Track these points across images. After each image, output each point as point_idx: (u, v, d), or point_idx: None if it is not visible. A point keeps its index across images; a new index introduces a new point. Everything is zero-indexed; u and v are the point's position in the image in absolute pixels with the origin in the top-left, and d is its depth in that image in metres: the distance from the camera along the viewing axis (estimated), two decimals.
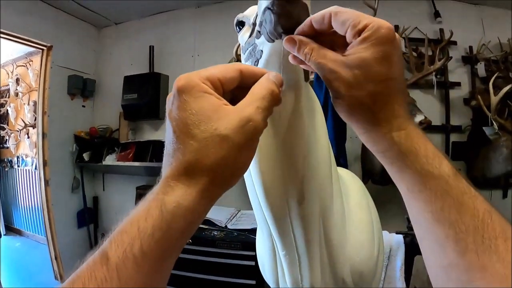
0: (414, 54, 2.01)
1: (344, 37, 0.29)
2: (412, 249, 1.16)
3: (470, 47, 2.15)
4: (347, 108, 0.29)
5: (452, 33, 2.03)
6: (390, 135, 0.27)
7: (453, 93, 2.13)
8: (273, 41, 0.34)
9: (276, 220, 0.47)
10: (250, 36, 0.41)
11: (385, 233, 1.21)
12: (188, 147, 0.23)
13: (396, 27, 2.12)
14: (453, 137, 2.12)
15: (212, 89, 0.26)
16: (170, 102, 0.26)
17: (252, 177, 0.46)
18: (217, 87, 0.27)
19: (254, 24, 0.39)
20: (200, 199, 0.23)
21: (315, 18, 0.30)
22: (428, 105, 2.02)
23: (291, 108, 0.41)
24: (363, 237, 0.61)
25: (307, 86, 0.44)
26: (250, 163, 0.27)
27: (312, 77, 1.54)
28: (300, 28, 0.31)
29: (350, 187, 0.70)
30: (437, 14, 2.15)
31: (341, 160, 1.66)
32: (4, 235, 3.32)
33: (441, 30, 2.14)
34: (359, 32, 0.27)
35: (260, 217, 0.52)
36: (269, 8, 0.32)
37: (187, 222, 0.23)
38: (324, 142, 0.50)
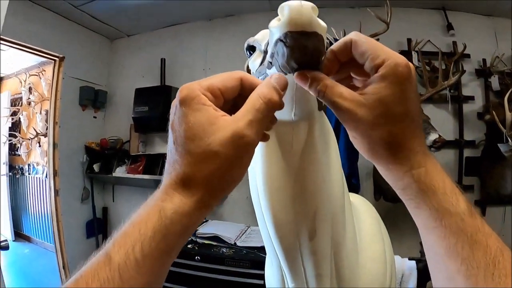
0: (427, 68, 1.98)
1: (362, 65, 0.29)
2: (424, 275, 1.12)
3: (484, 60, 2.11)
4: (366, 147, 0.29)
5: (465, 46, 2.01)
6: (410, 173, 0.28)
7: (467, 107, 2.10)
8: (286, 74, 0.32)
9: (286, 254, 0.46)
10: (261, 64, 0.39)
11: (398, 258, 1.18)
12: (185, 161, 0.25)
13: (409, 41, 2.10)
14: (467, 152, 2.08)
15: (212, 100, 0.27)
16: (173, 112, 0.27)
17: (262, 209, 0.45)
18: (217, 97, 0.28)
19: (265, 52, 0.37)
20: (194, 209, 0.25)
21: (338, 50, 0.30)
22: (442, 120, 1.99)
23: (304, 140, 0.40)
24: (375, 269, 0.59)
25: (321, 116, 0.42)
26: (243, 174, 0.28)
27: None
28: (324, 63, 0.30)
29: (362, 215, 0.68)
30: (449, 27, 2.13)
31: (353, 180, 1.64)
32: (13, 241, 3.36)
33: (454, 43, 2.12)
34: (376, 68, 0.28)
35: (269, 248, 0.50)
36: (281, 40, 0.29)
37: (184, 227, 0.25)
38: (338, 175, 0.49)
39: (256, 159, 0.43)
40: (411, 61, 1.86)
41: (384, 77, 0.27)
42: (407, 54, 2.08)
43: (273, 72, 0.33)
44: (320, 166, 0.42)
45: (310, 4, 0.29)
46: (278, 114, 0.36)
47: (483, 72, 2.10)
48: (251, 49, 0.42)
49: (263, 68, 0.37)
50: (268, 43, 0.34)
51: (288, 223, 0.44)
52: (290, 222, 0.43)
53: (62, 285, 0.22)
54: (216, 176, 0.25)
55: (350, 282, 0.52)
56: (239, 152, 0.26)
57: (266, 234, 0.48)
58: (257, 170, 0.43)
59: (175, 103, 0.27)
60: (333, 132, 0.49)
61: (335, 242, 0.48)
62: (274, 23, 0.30)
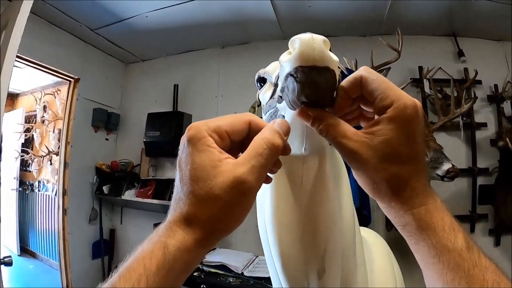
0: (439, 95, 1.97)
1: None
2: None
3: (496, 86, 2.10)
4: (369, 187, 0.30)
5: (476, 72, 2.00)
6: (411, 212, 0.28)
7: (479, 134, 2.07)
8: (295, 109, 0.31)
9: None
10: (271, 97, 0.38)
11: None
12: (188, 200, 0.26)
13: (420, 68, 2.11)
14: (480, 180, 2.04)
15: (218, 141, 0.28)
16: (181, 150, 0.28)
17: (269, 245, 0.43)
18: (224, 139, 0.28)
19: (275, 85, 0.36)
20: (195, 246, 0.26)
21: (348, 87, 0.30)
22: (454, 148, 1.97)
23: (315, 176, 0.39)
24: None
25: (333, 151, 0.41)
26: (244, 217, 0.28)
27: None
28: (338, 103, 0.30)
29: (374, 252, 0.66)
30: (460, 53, 2.13)
31: (364, 211, 1.60)
32: (19, 255, 3.36)
33: (466, 69, 2.11)
34: (385, 108, 0.28)
35: (276, 284, 0.48)
36: (292, 75, 0.28)
37: (186, 263, 0.26)
38: (349, 211, 0.47)
39: (265, 193, 0.42)
40: (423, 89, 1.86)
41: (392, 119, 0.28)
42: (418, 81, 2.08)
43: (283, 106, 0.33)
44: (331, 202, 0.41)
45: (322, 37, 0.28)
46: None
47: (495, 98, 2.08)
48: (262, 81, 0.42)
49: (273, 101, 0.36)
50: (278, 76, 0.34)
51: (296, 260, 0.42)
52: (299, 260, 0.42)
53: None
54: (217, 217, 0.26)
55: None
56: (239, 197, 0.26)
57: (273, 271, 0.46)
58: (265, 205, 0.42)
59: (183, 141, 0.28)
60: (345, 167, 0.47)
61: (345, 280, 0.46)
62: (284, 57, 0.29)
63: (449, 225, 0.27)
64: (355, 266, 0.48)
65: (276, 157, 0.29)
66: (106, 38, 2.46)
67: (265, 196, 0.43)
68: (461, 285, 0.25)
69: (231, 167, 0.26)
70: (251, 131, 0.30)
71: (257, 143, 0.28)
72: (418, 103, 0.29)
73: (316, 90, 0.28)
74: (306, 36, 0.28)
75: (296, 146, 0.36)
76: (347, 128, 0.29)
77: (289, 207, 0.40)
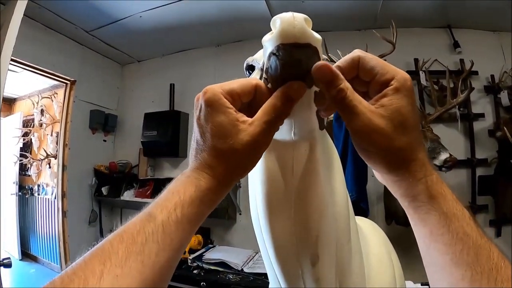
0: (436, 87, 1.97)
1: (364, 84, 0.31)
2: None
3: (492, 76, 2.09)
4: (381, 160, 0.30)
5: (472, 63, 1.99)
6: (424, 179, 0.29)
7: (477, 125, 2.06)
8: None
9: (288, 279, 0.44)
10: None
11: (410, 283, 1.12)
12: (211, 153, 0.30)
13: (416, 60, 2.10)
14: (479, 171, 2.03)
15: (232, 102, 0.31)
16: (198, 110, 0.31)
17: (262, 232, 0.43)
18: (236, 100, 0.31)
19: (262, 70, 0.36)
20: (219, 187, 0.31)
21: (345, 67, 0.31)
22: (452, 139, 1.96)
23: (305, 162, 0.38)
24: None
25: (323, 135, 0.41)
26: (254, 166, 0.33)
27: (331, 117, 1.51)
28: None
29: (371, 240, 0.64)
30: (456, 45, 2.13)
31: (362, 204, 1.59)
32: (20, 260, 3.35)
33: (461, 61, 2.10)
34: (387, 82, 0.29)
35: (271, 274, 0.48)
36: (274, 54, 0.28)
37: (211, 200, 0.31)
38: (342, 197, 0.46)
39: (256, 181, 0.42)
40: (419, 81, 1.85)
41: (398, 89, 0.29)
42: (414, 74, 2.07)
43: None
44: (322, 187, 0.40)
45: (303, 15, 0.28)
46: (277, 135, 0.35)
47: (492, 89, 2.07)
48: (251, 68, 0.41)
49: None
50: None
51: (289, 246, 0.41)
52: (291, 246, 0.41)
53: (102, 239, 0.26)
54: (235, 165, 0.31)
55: None
56: (254, 151, 0.31)
57: (267, 259, 0.46)
58: (257, 193, 0.42)
59: (199, 101, 0.31)
60: (337, 153, 0.48)
61: (340, 268, 0.46)
62: (266, 36, 0.29)
63: (456, 195, 0.28)
64: (350, 254, 0.48)
65: (282, 119, 0.32)
66: (101, 40, 2.46)
67: (256, 184, 0.42)
68: (470, 256, 0.25)
69: (248, 127, 0.30)
70: (257, 94, 0.32)
71: (267, 108, 0.31)
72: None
73: (299, 68, 0.28)
74: (287, 15, 0.28)
75: (285, 131, 0.36)
76: (361, 98, 0.30)
77: (280, 193, 0.40)
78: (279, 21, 0.28)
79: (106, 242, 0.25)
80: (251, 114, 0.31)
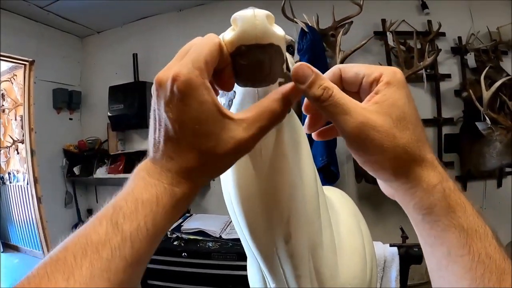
0: (403, 48, 1.98)
1: (352, 97, 0.27)
2: (406, 259, 1.14)
3: (459, 38, 2.12)
4: (387, 165, 0.26)
5: (440, 25, 2.01)
6: (441, 186, 0.25)
7: (444, 85, 2.12)
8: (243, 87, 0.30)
9: (264, 257, 0.46)
10: None
11: (379, 244, 1.18)
12: (189, 155, 0.26)
13: (383, 21, 2.09)
14: (445, 130, 2.11)
15: (210, 87, 0.25)
16: (167, 98, 0.25)
17: (237, 217, 0.44)
18: (210, 74, 0.26)
19: None
20: (195, 191, 0.27)
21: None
22: (419, 99, 2.00)
23: (273, 146, 0.39)
24: (355, 266, 0.60)
25: (290, 115, 0.40)
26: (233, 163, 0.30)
27: None
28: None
29: (340, 211, 0.68)
30: (424, 6, 2.12)
31: (333, 168, 1.63)
32: (2, 252, 3.30)
33: (429, 22, 2.11)
34: (376, 80, 0.27)
35: (248, 251, 0.51)
36: (235, 55, 0.27)
37: (185, 206, 0.28)
38: (310, 177, 0.48)
39: None
40: (386, 42, 1.84)
41: (390, 83, 0.26)
42: (381, 34, 2.07)
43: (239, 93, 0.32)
44: (290, 170, 0.41)
45: (265, 12, 0.27)
46: None
47: (459, 50, 2.11)
48: None
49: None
50: None
51: (262, 228, 0.43)
52: (264, 227, 0.43)
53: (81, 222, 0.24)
54: (214, 169, 0.27)
55: (330, 280, 0.52)
56: (237, 156, 0.27)
57: (243, 237, 0.48)
58: (228, 177, 0.43)
59: (166, 87, 0.25)
60: (304, 133, 0.47)
61: (312, 243, 0.48)
62: (227, 35, 0.28)
63: (473, 207, 0.24)
64: (321, 228, 0.50)
65: (276, 124, 0.28)
66: (57, 14, 2.32)
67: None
68: (491, 282, 0.22)
69: (235, 128, 0.26)
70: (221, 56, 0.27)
71: (263, 112, 0.27)
72: None
73: (261, 68, 0.27)
74: (248, 13, 0.26)
75: None
76: (350, 98, 0.26)
77: (250, 177, 0.40)
78: (240, 21, 0.26)
79: (69, 253, 0.22)
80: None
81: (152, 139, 0.27)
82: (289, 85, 0.28)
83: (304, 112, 0.31)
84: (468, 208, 0.24)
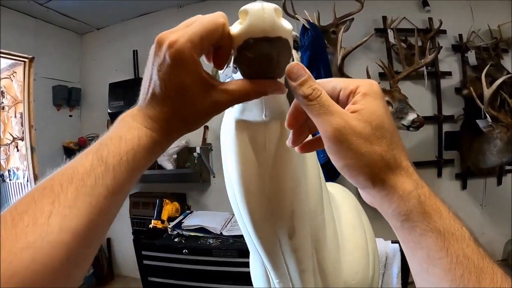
0: (404, 45, 1.98)
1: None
2: None
3: (460, 35, 2.12)
4: (363, 170, 0.27)
5: (441, 22, 2.01)
6: (416, 192, 0.26)
7: (444, 83, 2.11)
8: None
9: (267, 251, 0.47)
10: (227, 65, 0.37)
11: (381, 240, 1.18)
12: (170, 109, 0.29)
13: (384, 18, 2.09)
14: (446, 127, 2.11)
15: (200, 54, 0.29)
16: (160, 62, 0.28)
17: (240, 211, 0.45)
18: (204, 49, 0.29)
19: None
20: (170, 140, 0.31)
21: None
22: (419, 96, 2.01)
23: (277, 141, 0.39)
24: (358, 260, 0.60)
25: None
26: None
27: None
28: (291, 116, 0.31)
29: (342, 206, 0.68)
30: (425, 3, 2.12)
31: (331, 164, 1.62)
32: None
33: (430, 19, 2.11)
34: (353, 91, 0.28)
35: (251, 246, 0.51)
36: (243, 48, 0.27)
37: (159, 153, 0.31)
38: (314, 172, 0.49)
39: (230, 160, 0.43)
40: (387, 39, 1.84)
41: (367, 93, 0.28)
42: (382, 31, 2.06)
43: (239, 76, 0.32)
44: (294, 165, 0.42)
45: (273, 6, 0.27)
46: (249, 117, 0.37)
47: (459, 48, 2.11)
48: None
49: (229, 71, 0.35)
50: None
51: (266, 222, 0.43)
52: (268, 222, 0.43)
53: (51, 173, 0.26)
54: (191, 123, 0.31)
55: (333, 275, 0.53)
56: (210, 116, 0.31)
57: (246, 233, 0.48)
58: (231, 172, 0.43)
59: (161, 52, 0.28)
60: None
61: (316, 238, 0.49)
62: (235, 28, 0.28)
63: (449, 211, 0.25)
64: (324, 223, 0.50)
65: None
66: (56, 11, 2.30)
67: (230, 163, 0.43)
68: (471, 282, 0.22)
69: (215, 94, 0.29)
70: (223, 34, 0.29)
71: (240, 91, 0.30)
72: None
73: (269, 62, 0.28)
74: (256, 6, 0.27)
75: (256, 114, 0.37)
76: (335, 103, 0.28)
77: (254, 171, 0.41)
78: (247, 14, 0.27)
79: (56, 182, 0.24)
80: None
81: (142, 89, 0.31)
82: (268, 83, 0.30)
83: (287, 128, 0.31)
84: (444, 212, 0.25)
